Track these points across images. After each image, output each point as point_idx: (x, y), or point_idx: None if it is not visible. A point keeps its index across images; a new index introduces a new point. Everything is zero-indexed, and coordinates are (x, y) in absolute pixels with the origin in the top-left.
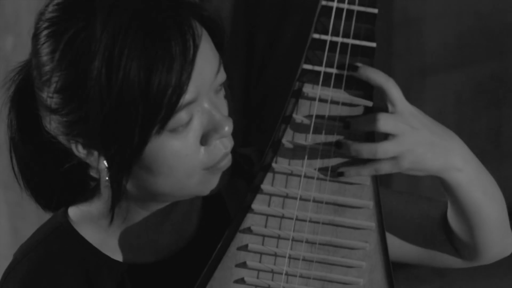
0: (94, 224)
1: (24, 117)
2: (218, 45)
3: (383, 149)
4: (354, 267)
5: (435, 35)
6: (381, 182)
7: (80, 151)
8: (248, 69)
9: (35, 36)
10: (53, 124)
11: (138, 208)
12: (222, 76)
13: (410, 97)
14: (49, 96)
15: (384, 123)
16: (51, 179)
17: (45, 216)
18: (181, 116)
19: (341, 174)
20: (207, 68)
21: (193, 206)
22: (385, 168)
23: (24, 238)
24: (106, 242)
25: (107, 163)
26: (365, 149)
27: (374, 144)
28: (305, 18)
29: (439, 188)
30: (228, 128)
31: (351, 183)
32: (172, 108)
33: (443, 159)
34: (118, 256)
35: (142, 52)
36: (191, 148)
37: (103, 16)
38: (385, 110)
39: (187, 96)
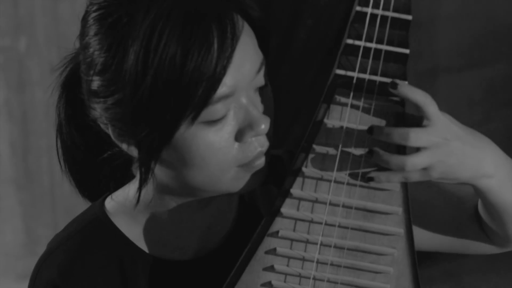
0: (130, 218)
1: (72, 102)
2: (263, 48)
3: (412, 162)
4: (381, 272)
5: (448, 36)
6: None
7: (115, 136)
8: None
9: (84, 19)
10: (93, 107)
11: (174, 204)
12: (262, 77)
13: None
14: (90, 78)
15: (416, 139)
16: (92, 167)
17: (59, 217)
18: (217, 108)
19: (371, 179)
20: (247, 64)
21: (230, 206)
22: (415, 177)
23: (38, 239)
24: (142, 236)
25: (137, 147)
26: (394, 162)
27: (403, 157)
28: (317, 21)
29: None
30: (264, 126)
31: (380, 189)
32: (205, 98)
33: (474, 168)
34: (152, 250)
35: (179, 39)
36: (225, 142)
37: (146, 2)
38: (418, 120)
39: (224, 89)
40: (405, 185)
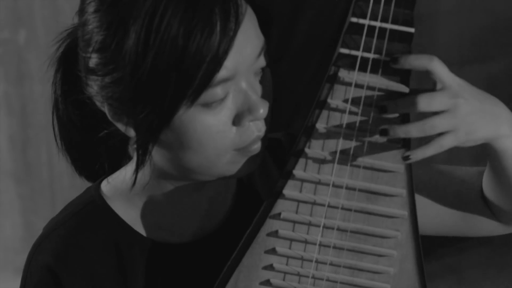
0: (127, 201)
1: (68, 78)
2: (265, 31)
3: (432, 124)
4: (385, 255)
5: (448, 31)
6: None
7: (111, 115)
8: None
9: None
10: (89, 84)
11: (171, 187)
12: (264, 61)
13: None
14: (88, 56)
15: (439, 103)
16: (89, 145)
17: (58, 211)
18: (216, 91)
19: (408, 158)
20: (248, 48)
21: (227, 189)
22: (447, 143)
23: (37, 233)
24: (139, 219)
25: (135, 128)
26: (415, 129)
27: (421, 122)
28: (318, 13)
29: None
30: (263, 110)
31: (384, 171)
32: (205, 81)
33: (494, 126)
34: (149, 233)
35: (182, 20)
36: (223, 126)
37: None
38: (431, 90)
39: (224, 72)
40: (409, 167)
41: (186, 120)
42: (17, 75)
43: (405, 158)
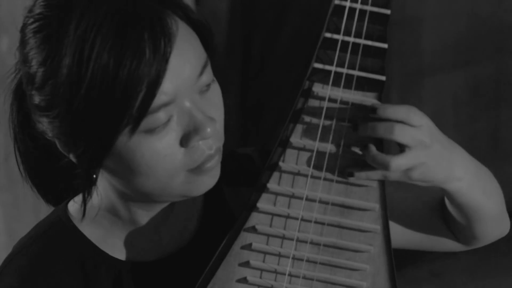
0: (93, 221)
1: (23, 110)
2: (207, 47)
3: (397, 163)
4: (357, 270)
5: (433, 35)
6: None
7: (61, 147)
8: (245, 69)
9: (22, 31)
10: (38, 120)
11: (136, 207)
12: (208, 78)
13: (408, 97)
14: (31, 93)
15: (402, 134)
16: (50, 173)
17: (41, 218)
18: (158, 116)
19: (351, 175)
20: (186, 69)
21: (194, 205)
22: (394, 177)
23: None
24: (106, 239)
25: (76, 160)
26: (379, 160)
27: (389, 157)
28: (303, 18)
29: None
30: (210, 129)
31: (358, 185)
32: (143, 108)
33: (448, 171)
34: (117, 253)
35: (111, 49)
36: (170, 149)
37: (78, 13)
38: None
39: (163, 97)
40: (382, 182)
41: (132, 147)
42: (7, 74)
43: (349, 173)
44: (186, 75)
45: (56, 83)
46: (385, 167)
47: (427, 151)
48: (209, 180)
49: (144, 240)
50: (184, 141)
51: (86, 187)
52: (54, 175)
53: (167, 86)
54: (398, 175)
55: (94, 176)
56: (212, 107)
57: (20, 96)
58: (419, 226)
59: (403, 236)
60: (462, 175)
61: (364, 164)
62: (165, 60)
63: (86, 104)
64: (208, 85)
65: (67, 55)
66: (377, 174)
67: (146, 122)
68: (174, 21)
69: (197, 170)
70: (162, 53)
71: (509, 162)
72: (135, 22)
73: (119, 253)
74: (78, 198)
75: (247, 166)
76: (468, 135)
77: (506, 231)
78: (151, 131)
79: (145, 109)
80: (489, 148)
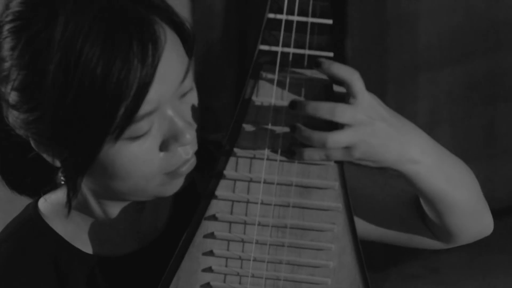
0: (64, 217)
1: None
2: (188, 50)
3: (334, 139)
4: (323, 249)
5: (429, 31)
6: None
7: (36, 146)
8: (241, 67)
9: None
10: (11, 118)
11: (108, 204)
12: (189, 83)
13: (403, 93)
14: (7, 91)
15: (342, 114)
16: (19, 165)
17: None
18: (141, 125)
19: (293, 154)
20: (171, 77)
21: (164, 200)
22: (335, 155)
23: None
24: (77, 235)
25: (61, 164)
26: (315, 138)
27: (325, 133)
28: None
29: None
30: (189, 136)
31: (315, 164)
32: (128, 118)
33: (398, 151)
34: (89, 249)
35: (99, 59)
36: (149, 155)
37: (65, 17)
38: (344, 97)
39: (147, 107)
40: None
41: (112, 153)
42: None
43: (291, 152)
44: (170, 83)
45: (39, 89)
46: (323, 144)
47: (368, 128)
48: (183, 181)
49: (117, 234)
50: (164, 146)
51: (71, 189)
52: (26, 169)
53: (152, 95)
54: (340, 154)
55: (78, 181)
56: (191, 111)
57: None
58: (394, 221)
59: (377, 230)
60: (419, 158)
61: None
62: (153, 70)
63: (72, 112)
64: (188, 90)
65: (54, 62)
66: (318, 153)
67: (129, 131)
68: (162, 27)
69: (173, 173)
70: (150, 62)
71: (504, 158)
72: (123, 30)
73: (92, 248)
74: (49, 196)
75: (218, 152)
76: (463, 130)
77: (487, 230)
78: (132, 138)
79: (129, 119)
80: (485, 144)
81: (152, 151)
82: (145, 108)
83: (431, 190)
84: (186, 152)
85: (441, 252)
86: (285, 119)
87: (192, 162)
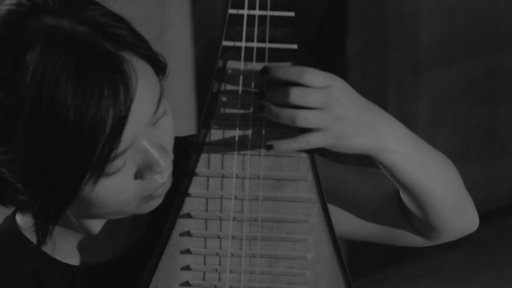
0: None
1: None
2: (160, 71)
3: (303, 116)
4: (299, 241)
5: (429, 30)
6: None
7: (8, 175)
8: None
9: None
10: None
11: (86, 220)
12: (162, 108)
13: (404, 93)
14: None
15: (300, 95)
16: None
17: None
18: (116, 163)
19: (270, 147)
20: (144, 111)
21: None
22: (314, 140)
23: None
24: (56, 246)
25: (31, 209)
26: (284, 114)
27: (294, 110)
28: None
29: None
30: (164, 163)
31: (286, 157)
32: (103, 163)
33: (370, 138)
34: (69, 259)
35: (70, 106)
36: (125, 185)
37: (32, 63)
38: None
39: (122, 146)
40: (310, 150)
41: (87, 189)
42: None
43: (268, 147)
44: (144, 118)
45: (11, 134)
46: (292, 120)
47: (338, 110)
48: (159, 201)
49: (96, 244)
50: (139, 175)
51: (41, 239)
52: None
53: (127, 135)
54: (317, 138)
55: (50, 229)
56: (164, 135)
57: None
58: (377, 217)
59: (361, 227)
60: (393, 147)
61: (284, 136)
62: (127, 112)
63: (43, 161)
64: (162, 115)
65: (25, 108)
66: (296, 142)
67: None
68: (132, 65)
69: (148, 196)
70: (123, 104)
71: (504, 158)
72: (94, 73)
73: (71, 258)
74: (27, 209)
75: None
76: (464, 129)
77: (472, 226)
78: (107, 175)
79: (106, 161)
80: (485, 142)
81: (127, 181)
82: (120, 148)
83: (408, 181)
84: (161, 176)
85: (441, 252)
86: (252, 114)
87: (168, 183)
